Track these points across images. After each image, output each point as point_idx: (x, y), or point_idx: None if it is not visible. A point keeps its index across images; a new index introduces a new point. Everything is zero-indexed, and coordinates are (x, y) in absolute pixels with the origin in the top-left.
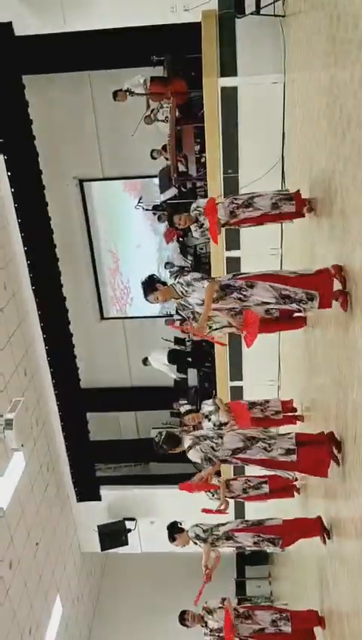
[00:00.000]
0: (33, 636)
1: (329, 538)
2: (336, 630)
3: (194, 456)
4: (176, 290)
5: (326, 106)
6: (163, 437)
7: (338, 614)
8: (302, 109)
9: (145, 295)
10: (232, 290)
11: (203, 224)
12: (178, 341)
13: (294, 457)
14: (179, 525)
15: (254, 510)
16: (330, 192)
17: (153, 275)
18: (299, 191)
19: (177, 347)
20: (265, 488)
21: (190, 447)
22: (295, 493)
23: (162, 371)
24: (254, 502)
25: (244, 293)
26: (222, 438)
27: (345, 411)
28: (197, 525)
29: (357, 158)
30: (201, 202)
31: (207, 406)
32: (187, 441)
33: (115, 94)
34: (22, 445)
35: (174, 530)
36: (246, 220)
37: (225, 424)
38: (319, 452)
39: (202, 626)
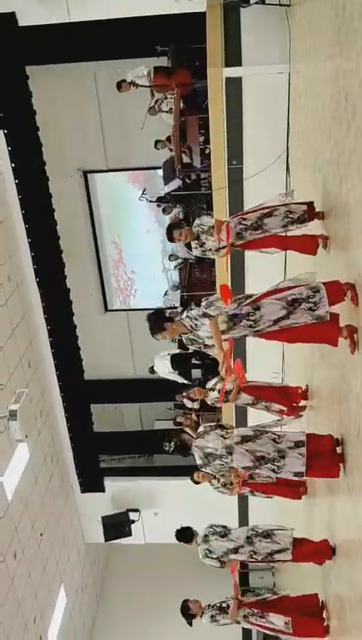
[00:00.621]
0: (37, 626)
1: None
2: (339, 619)
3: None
4: (185, 324)
5: (331, 97)
6: (173, 447)
7: (341, 605)
8: (306, 99)
9: (152, 333)
10: (240, 318)
11: (204, 243)
12: (183, 302)
13: (303, 477)
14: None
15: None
16: (334, 186)
17: (160, 310)
18: (312, 204)
19: (178, 351)
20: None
21: (201, 467)
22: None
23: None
24: (259, 494)
25: (253, 318)
26: (231, 454)
27: (348, 405)
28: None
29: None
30: (205, 220)
31: (212, 382)
32: (197, 460)
33: (119, 85)
34: (26, 436)
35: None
36: (253, 242)
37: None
38: (329, 462)
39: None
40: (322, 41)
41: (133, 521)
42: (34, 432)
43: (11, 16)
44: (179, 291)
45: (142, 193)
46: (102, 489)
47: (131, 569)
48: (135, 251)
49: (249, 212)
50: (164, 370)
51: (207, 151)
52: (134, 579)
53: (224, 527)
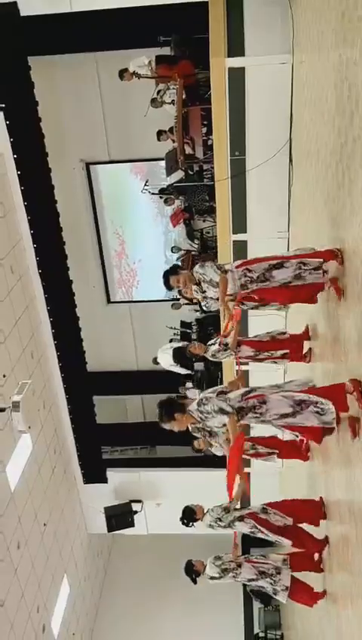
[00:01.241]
0: (41, 615)
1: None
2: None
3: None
4: (194, 416)
5: (334, 86)
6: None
7: (342, 596)
8: (310, 89)
9: (161, 421)
10: (246, 411)
11: (205, 291)
12: (184, 325)
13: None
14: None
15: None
16: (337, 176)
17: (172, 399)
18: (335, 251)
19: (181, 344)
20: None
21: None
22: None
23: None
24: (261, 448)
25: (259, 411)
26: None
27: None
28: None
29: None
30: (209, 272)
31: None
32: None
33: (121, 74)
34: (29, 427)
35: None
36: (257, 292)
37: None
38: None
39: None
40: (325, 29)
41: (136, 512)
42: (37, 423)
43: (13, 6)
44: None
45: (145, 185)
46: (104, 480)
47: (134, 559)
48: (137, 243)
49: (255, 261)
50: (167, 362)
51: (209, 142)
52: (137, 569)
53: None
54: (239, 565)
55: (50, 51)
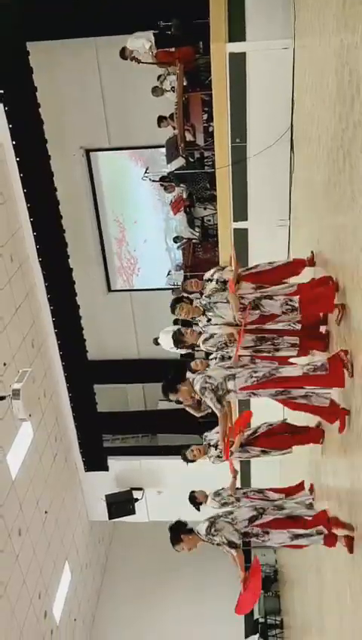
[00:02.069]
0: (42, 601)
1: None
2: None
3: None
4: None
5: (335, 72)
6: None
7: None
8: (311, 74)
9: (173, 543)
10: (250, 537)
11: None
12: None
13: (312, 512)
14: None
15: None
16: (338, 162)
17: (180, 522)
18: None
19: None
20: None
21: (208, 529)
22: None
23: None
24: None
25: (262, 539)
26: (232, 513)
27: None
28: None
29: None
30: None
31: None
32: (202, 527)
33: (122, 53)
34: (30, 415)
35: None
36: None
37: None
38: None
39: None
40: (327, 14)
41: (137, 500)
42: (38, 411)
43: None
44: (182, 271)
45: (145, 172)
46: (105, 468)
47: (135, 547)
48: (138, 230)
49: (260, 386)
50: (168, 344)
51: (210, 129)
52: (138, 556)
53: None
54: (238, 499)
55: (49, 37)
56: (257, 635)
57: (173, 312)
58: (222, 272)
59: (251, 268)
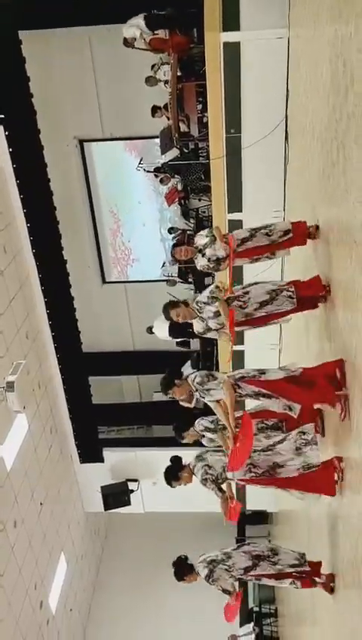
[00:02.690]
0: (38, 592)
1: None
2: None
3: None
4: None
5: (329, 62)
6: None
7: (341, 568)
8: (305, 65)
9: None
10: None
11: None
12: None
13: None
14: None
15: None
16: (332, 154)
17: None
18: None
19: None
20: None
21: (208, 577)
22: None
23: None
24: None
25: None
26: (230, 557)
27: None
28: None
29: (360, 114)
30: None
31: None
32: (203, 571)
33: (125, 42)
34: (24, 407)
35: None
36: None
37: (223, 259)
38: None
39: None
40: (321, 4)
41: (132, 491)
42: (32, 403)
43: None
44: (176, 263)
45: (139, 163)
46: (101, 459)
47: (130, 537)
48: (132, 220)
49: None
50: (163, 334)
51: (205, 119)
52: (133, 547)
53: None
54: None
55: (42, 25)
56: (252, 624)
57: (166, 317)
58: (214, 246)
59: (247, 240)
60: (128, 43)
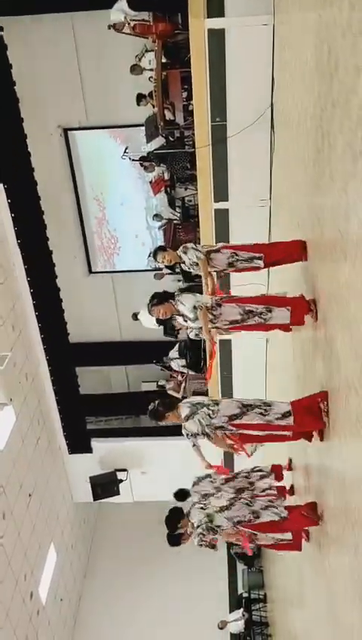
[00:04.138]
0: (28, 582)
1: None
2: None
3: (191, 427)
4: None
5: (314, 49)
6: (157, 404)
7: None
8: (291, 52)
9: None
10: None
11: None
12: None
13: (291, 420)
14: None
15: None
16: (317, 142)
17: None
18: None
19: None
20: None
21: (188, 417)
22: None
23: (151, 329)
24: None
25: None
26: (218, 404)
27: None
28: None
29: (344, 102)
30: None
31: (186, 309)
32: (184, 410)
33: (114, 27)
34: (10, 400)
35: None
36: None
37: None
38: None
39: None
40: None
41: (121, 481)
42: (19, 395)
43: None
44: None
45: (125, 151)
46: (89, 450)
47: (120, 527)
48: (118, 209)
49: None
50: (149, 322)
51: (190, 107)
52: (123, 536)
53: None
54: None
55: (24, 11)
56: (241, 610)
57: (150, 312)
58: (194, 325)
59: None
60: (116, 28)
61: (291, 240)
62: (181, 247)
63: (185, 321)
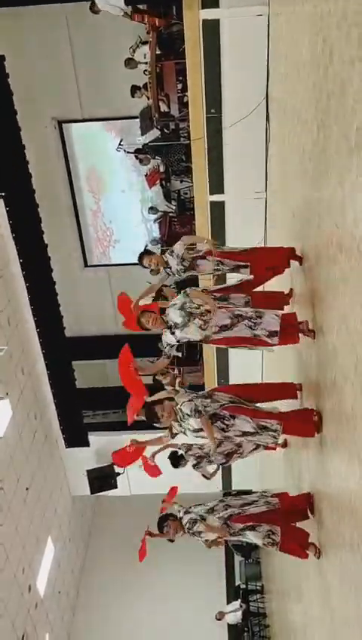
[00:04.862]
0: (26, 575)
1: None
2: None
3: (175, 317)
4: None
5: (309, 40)
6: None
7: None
8: (286, 43)
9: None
10: (216, 418)
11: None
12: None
13: (276, 340)
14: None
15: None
16: (312, 133)
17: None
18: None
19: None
20: None
21: (177, 325)
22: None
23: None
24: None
25: (227, 422)
26: (208, 322)
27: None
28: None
29: (339, 92)
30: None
31: (175, 314)
32: (176, 317)
33: (92, 7)
34: (7, 394)
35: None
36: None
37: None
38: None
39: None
40: None
41: (118, 474)
42: (16, 389)
43: None
44: (159, 246)
45: (119, 144)
46: (86, 444)
47: (118, 520)
48: (113, 201)
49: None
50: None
51: (185, 99)
52: (121, 529)
53: None
54: (209, 312)
55: (15, 2)
56: (239, 601)
57: (138, 324)
58: (186, 330)
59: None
60: (95, 10)
61: (279, 247)
62: (168, 251)
63: (173, 333)
